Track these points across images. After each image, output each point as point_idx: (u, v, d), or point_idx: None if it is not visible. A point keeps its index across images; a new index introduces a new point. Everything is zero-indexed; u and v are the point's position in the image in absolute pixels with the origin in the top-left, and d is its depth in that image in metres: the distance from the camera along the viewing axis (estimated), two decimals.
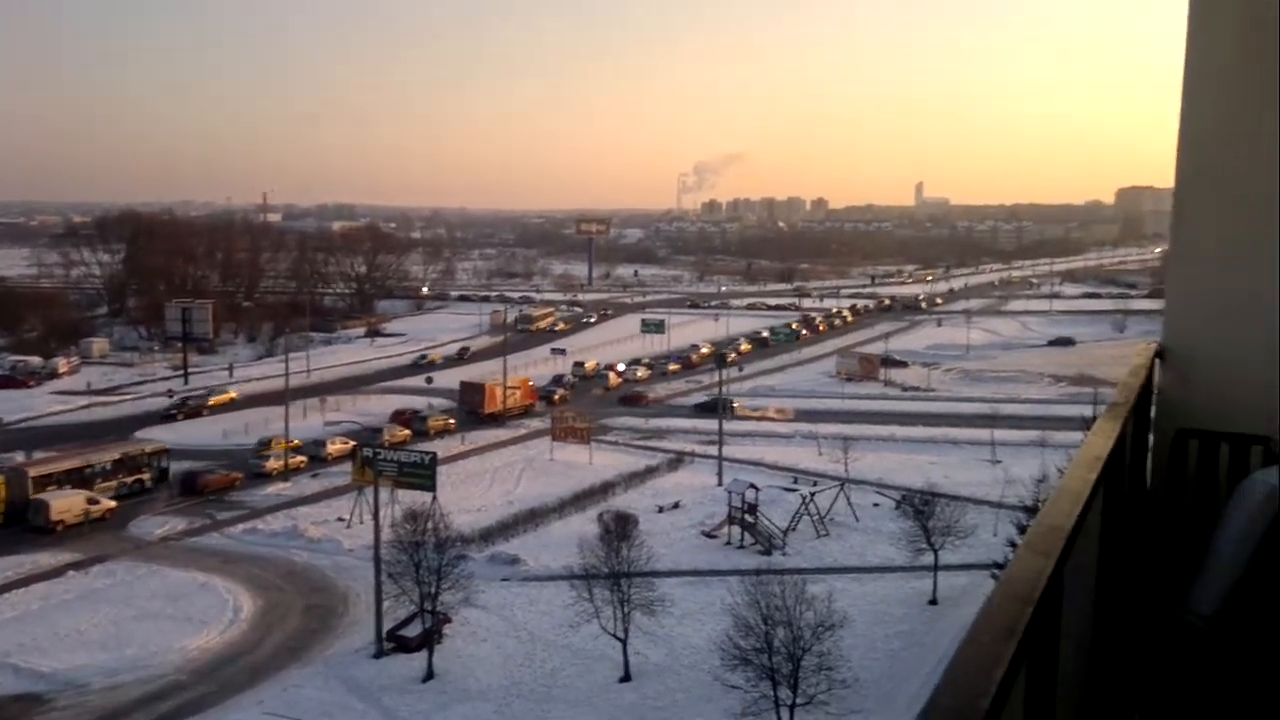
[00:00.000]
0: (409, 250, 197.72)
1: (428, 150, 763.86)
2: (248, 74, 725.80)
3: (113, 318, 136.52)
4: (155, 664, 39.28)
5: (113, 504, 57.00)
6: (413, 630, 40.56)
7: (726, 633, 34.95)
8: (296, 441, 68.53)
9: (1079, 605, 3.36)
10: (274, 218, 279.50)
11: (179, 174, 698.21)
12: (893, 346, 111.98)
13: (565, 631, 41.01)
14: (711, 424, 70.73)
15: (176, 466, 63.64)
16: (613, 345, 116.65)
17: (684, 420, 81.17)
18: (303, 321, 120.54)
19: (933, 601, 44.74)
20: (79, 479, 57.96)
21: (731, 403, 79.93)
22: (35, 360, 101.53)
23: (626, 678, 37.92)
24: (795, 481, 61.90)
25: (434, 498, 50.12)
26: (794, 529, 53.46)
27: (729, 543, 52.40)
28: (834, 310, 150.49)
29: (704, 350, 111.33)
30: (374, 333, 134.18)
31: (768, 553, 50.56)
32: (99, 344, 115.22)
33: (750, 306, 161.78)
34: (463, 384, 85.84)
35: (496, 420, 79.72)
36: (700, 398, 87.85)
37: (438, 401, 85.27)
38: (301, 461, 66.94)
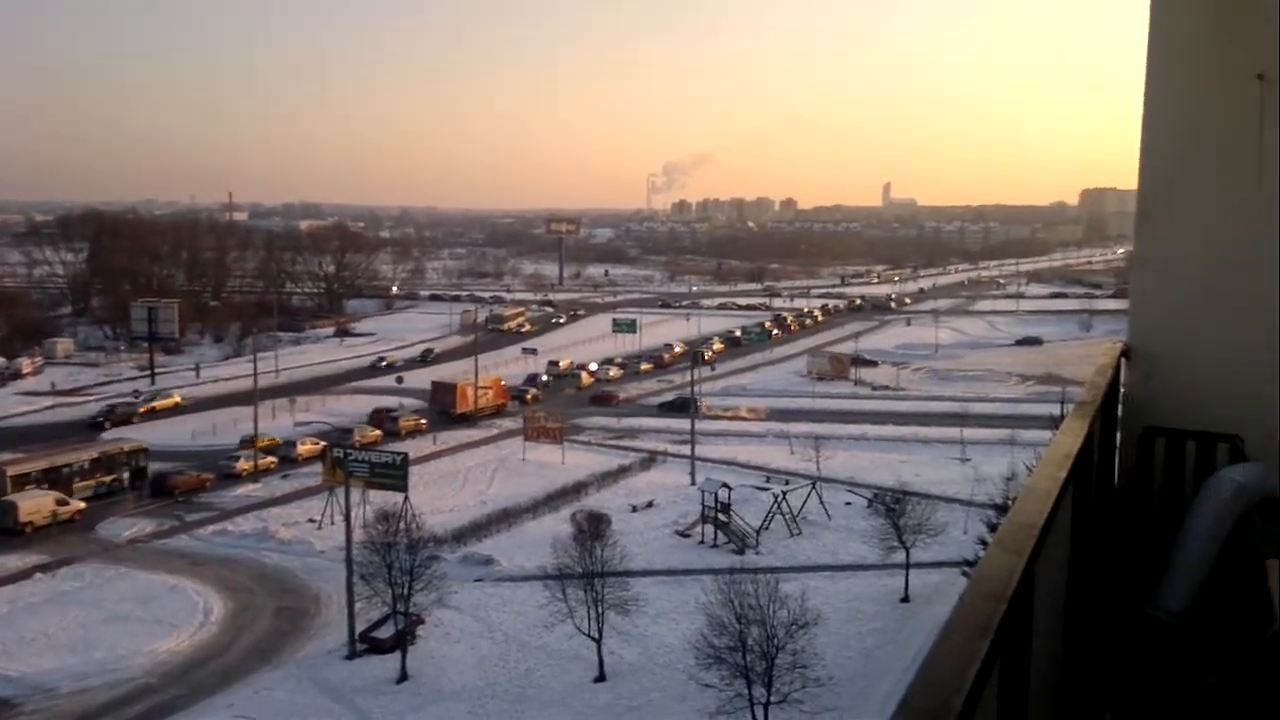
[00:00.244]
0: (378, 249, 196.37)
1: (396, 149, 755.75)
2: (211, 71, 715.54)
3: (77, 317, 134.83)
4: (124, 667, 38.85)
5: (82, 505, 56.43)
6: (385, 632, 40.37)
7: (701, 632, 34.98)
8: (277, 440, 68.82)
9: (1050, 603, 3.40)
10: (240, 216, 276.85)
11: (143, 172, 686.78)
12: (863, 346, 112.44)
13: (539, 632, 40.88)
14: (684, 423, 70.90)
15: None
16: (584, 345, 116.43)
17: (656, 420, 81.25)
18: (271, 321, 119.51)
19: (905, 599, 45.05)
20: (57, 478, 57.55)
21: (698, 401, 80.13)
22: None
23: (601, 678, 37.92)
24: (768, 480, 62.12)
25: (406, 498, 49.82)
26: (767, 528, 53.66)
27: (702, 542, 52.51)
28: (805, 310, 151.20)
29: (677, 350, 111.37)
30: (343, 332, 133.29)
31: (741, 552, 50.72)
32: (63, 344, 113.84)
33: (721, 306, 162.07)
34: (434, 384, 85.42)
35: (468, 420, 79.45)
36: (670, 397, 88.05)
37: (409, 401, 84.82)
38: (272, 462, 66.47)
